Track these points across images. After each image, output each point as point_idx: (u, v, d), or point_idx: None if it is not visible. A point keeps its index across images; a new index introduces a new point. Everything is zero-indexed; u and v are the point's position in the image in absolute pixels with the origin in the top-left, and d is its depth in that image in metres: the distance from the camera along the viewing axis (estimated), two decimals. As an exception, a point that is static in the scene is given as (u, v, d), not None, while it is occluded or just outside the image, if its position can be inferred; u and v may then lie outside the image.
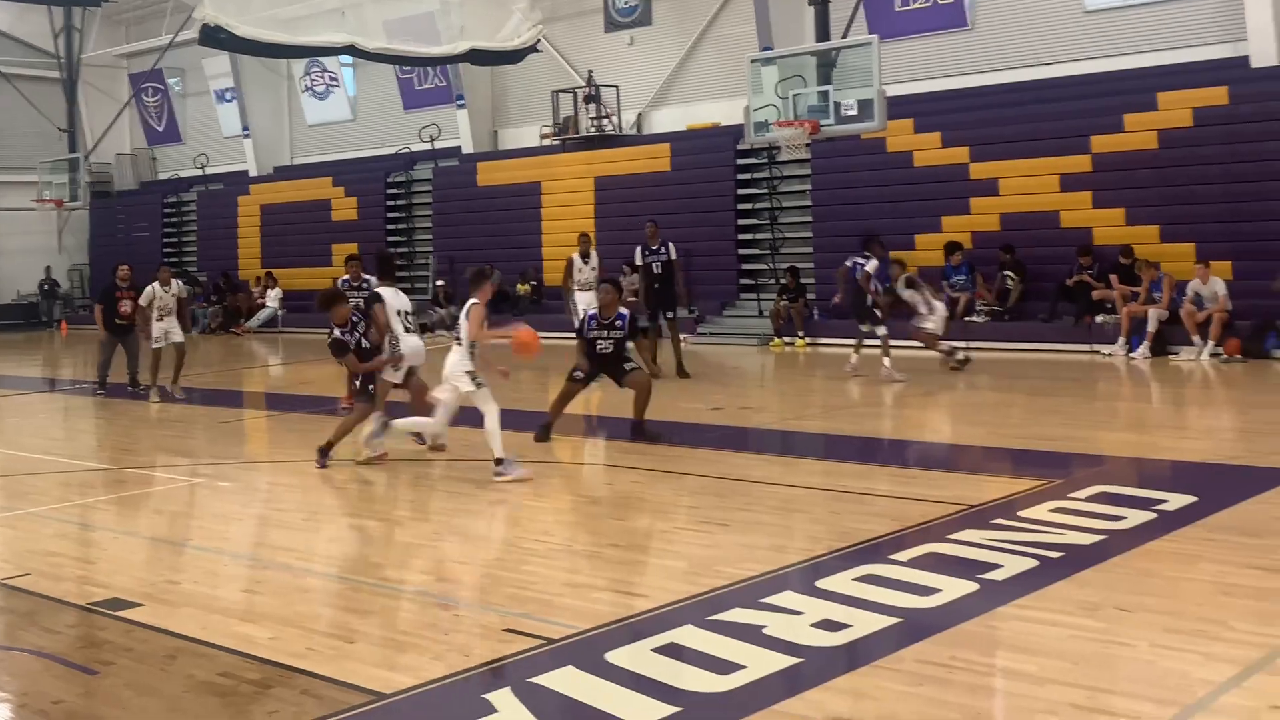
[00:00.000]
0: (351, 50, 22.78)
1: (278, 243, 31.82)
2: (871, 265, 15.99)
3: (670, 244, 16.97)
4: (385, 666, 5.68)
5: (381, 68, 29.35)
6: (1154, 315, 17.64)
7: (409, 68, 29.57)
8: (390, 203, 29.89)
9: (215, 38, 20.33)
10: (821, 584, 6.74)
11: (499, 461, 10.13)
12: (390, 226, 29.75)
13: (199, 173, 35.99)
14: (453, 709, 5.26)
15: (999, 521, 7.98)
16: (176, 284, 17.08)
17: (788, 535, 8.05)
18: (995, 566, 6.90)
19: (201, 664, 5.80)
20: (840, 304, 16.64)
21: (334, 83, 33.41)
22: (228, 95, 35.13)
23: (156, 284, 16.58)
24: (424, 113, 30.29)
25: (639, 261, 17.09)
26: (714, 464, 10.75)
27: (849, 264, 16.30)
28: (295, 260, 30.96)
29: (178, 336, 16.63)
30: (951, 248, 20.56)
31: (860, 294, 16.00)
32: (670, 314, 16.96)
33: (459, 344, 10.42)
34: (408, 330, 11.65)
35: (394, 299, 11.70)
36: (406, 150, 29.90)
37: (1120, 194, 19.46)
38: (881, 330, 16.03)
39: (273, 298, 30.24)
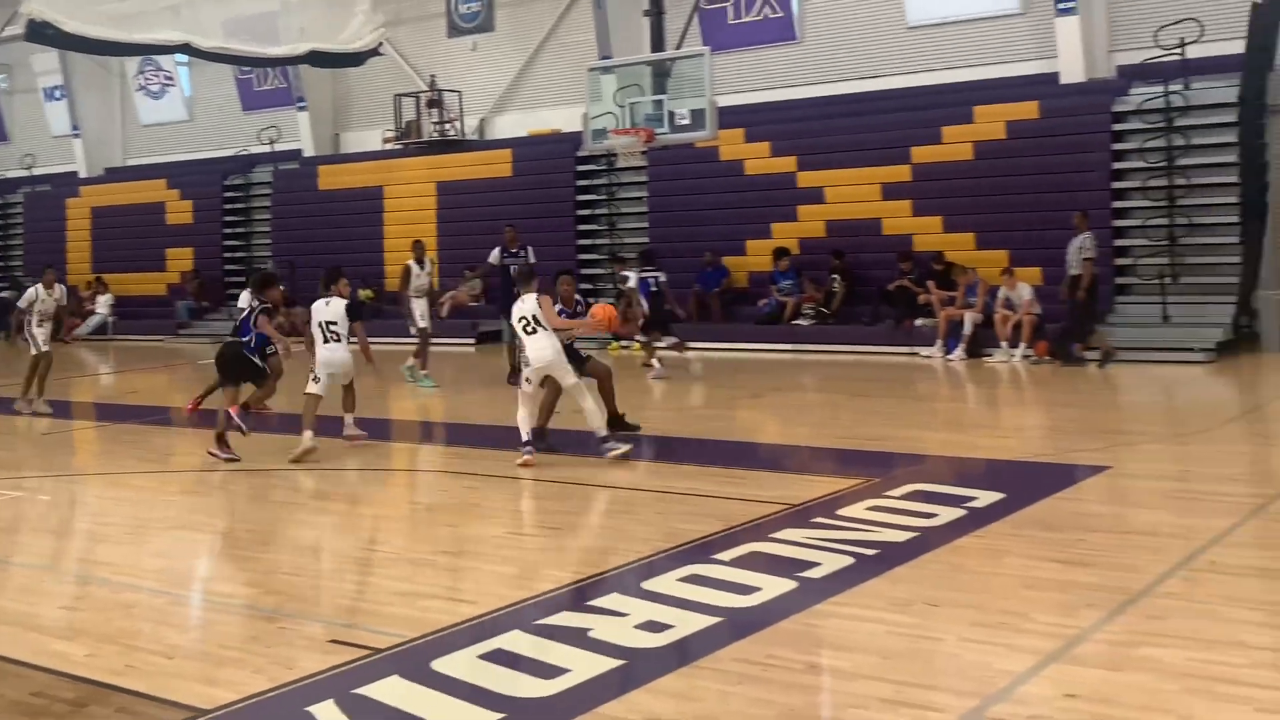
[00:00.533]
0: (187, 49, 21.98)
1: (109, 247, 30.64)
2: (665, 277, 16.56)
3: (529, 248, 16.97)
4: (205, 682, 5.53)
5: (219, 68, 28.52)
6: (969, 319, 18.19)
7: (248, 68, 28.80)
8: (228, 206, 29.04)
9: (42, 34, 19.40)
10: (647, 585, 6.78)
11: (604, 440, 10.61)
12: (228, 230, 28.90)
13: (25, 173, 34.50)
14: (274, 722, 5.15)
15: (819, 520, 8.13)
16: (59, 288, 16.17)
17: (617, 537, 8.09)
18: (814, 565, 7.02)
19: (14, 684, 5.56)
20: (645, 318, 17.04)
21: (169, 82, 32.34)
22: (57, 93, 33.64)
23: (40, 286, 15.71)
24: (263, 114, 29.53)
25: (497, 263, 16.91)
26: (549, 468, 10.72)
27: (634, 280, 16.85)
28: (127, 265, 29.83)
29: (46, 347, 15.68)
30: (779, 253, 20.90)
31: (661, 304, 16.56)
32: None
33: (544, 330, 10.63)
34: (327, 340, 11.48)
35: (321, 309, 11.62)
36: (245, 152, 29.12)
37: (939, 202, 20.02)
38: (672, 338, 17.02)
39: (103, 304, 29.02)
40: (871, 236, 20.46)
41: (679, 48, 18.22)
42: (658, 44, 18.55)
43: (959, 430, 12.23)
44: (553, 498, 9.66)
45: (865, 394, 14.87)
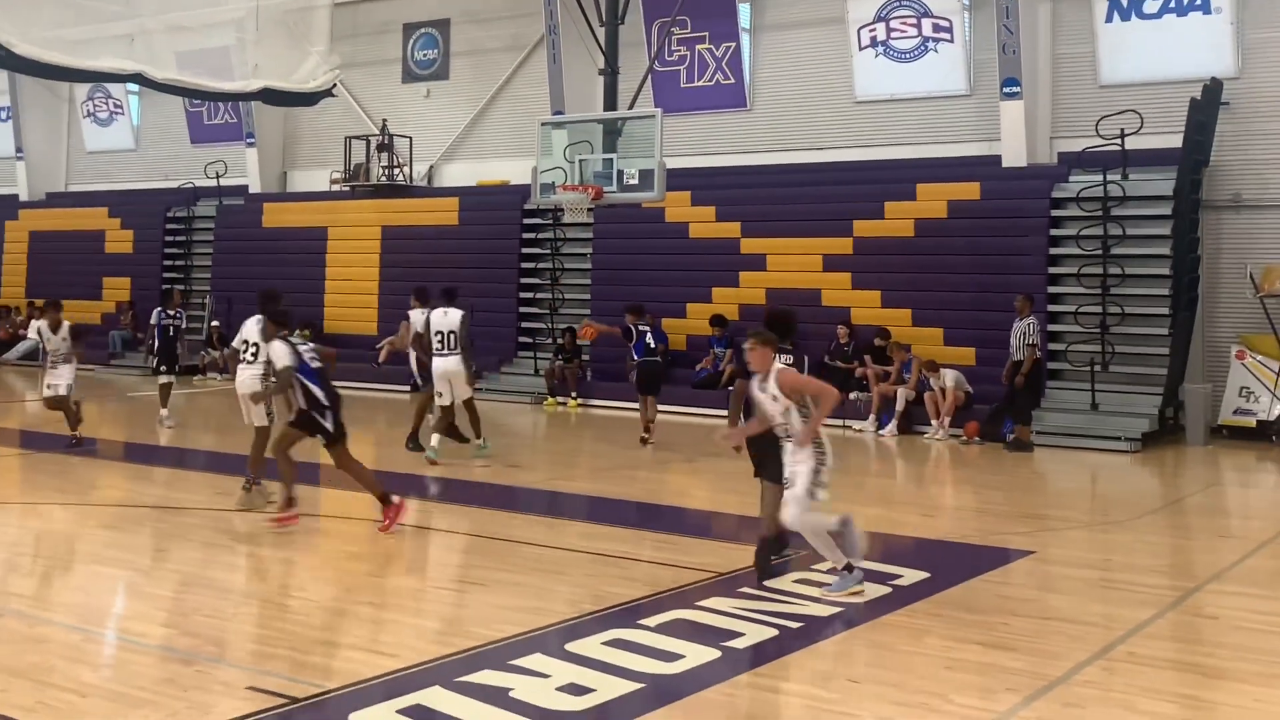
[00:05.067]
0: (139, 79, 21.77)
1: (46, 272, 30.16)
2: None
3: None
4: (117, 725, 5.44)
5: (169, 98, 28.11)
6: (902, 395, 18.35)
7: (198, 101, 28.60)
8: (169, 238, 28.72)
9: None
10: (571, 647, 6.78)
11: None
12: (167, 263, 28.56)
13: (-36, 192, 33.96)
14: (185, 771, 5.06)
15: (746, 590, 8.15)
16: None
17: (543, 597, 8.03)
18: (738, 635, 7.05)
19: (-83, 719, 5.44)
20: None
21: (118, 110, 32.00)
22: (2, 114, 33.26)
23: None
24: (212, 148, 29.24)
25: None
26: (478, 522, 10.70)
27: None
28: (64, 291, 28.67)
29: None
30: (716, 320, 20.95)
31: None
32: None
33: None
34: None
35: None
36: (190, 185, 28.87)
37: (878, 277, 20.21)
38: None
39: (35, 329, 28.52)
40: (811, 307, 20.58)
41: (631, 107, 18.36)
42: (610, 103, 18.68)
43: (887, 507, 12.29)
44: (482, 553, 9.61)
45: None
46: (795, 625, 7.31)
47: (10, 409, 20.82)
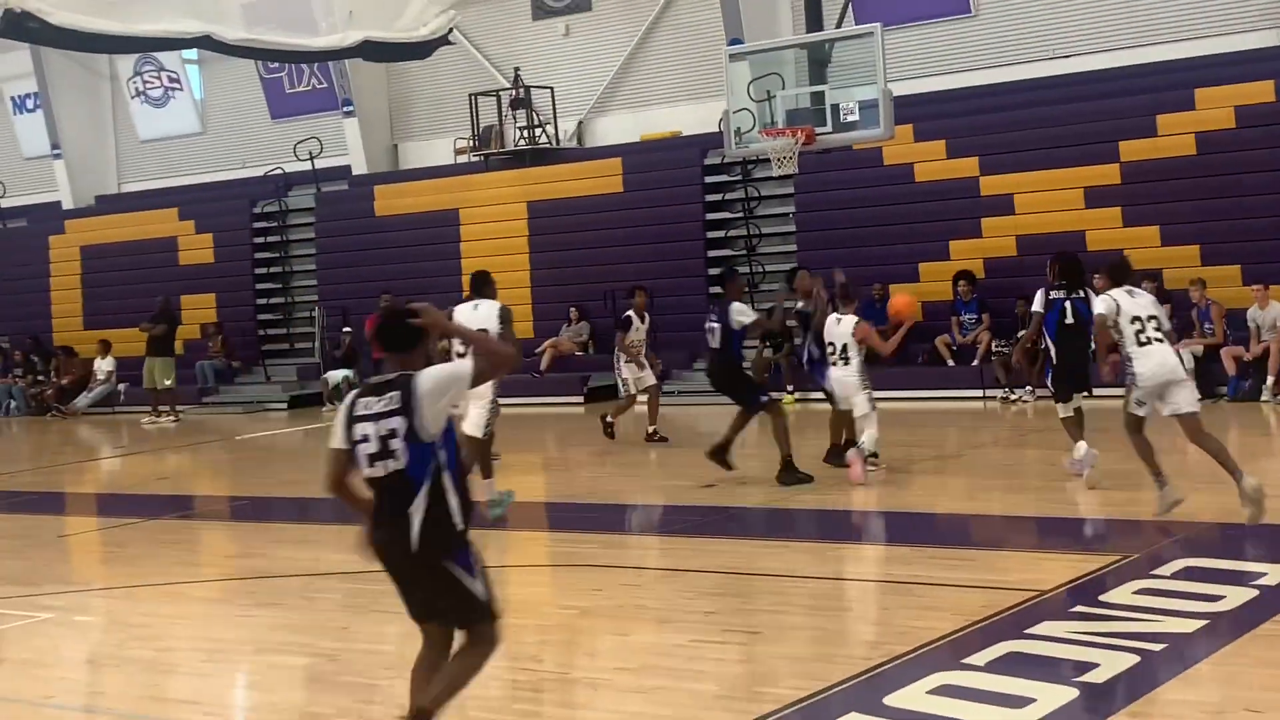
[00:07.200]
0: (207, 43, 21.62)
1: (105, 295, 30.76)
2: None
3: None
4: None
5: (236, 66, 28.94)
6: (1188, 355, 18.07)
7: (275, 66, 29.21)
8: (259, 240, 29.53)
9: (23, 27, 19.14)
10: (891, 701, 7.04)
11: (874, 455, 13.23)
12: (260, 270, 29.36)
13: (-9, 207, 34.65)
14: None
15: (1080, 609, 8.49)
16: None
17: (835, 641, 8.43)
18: (1092, 665, 7.35)
19: None
20: None
21: (175, 85, 32.70)
22: (29, 103, 34.26)
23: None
24: (299, 123, 29.98)
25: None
26: (720, 555, 11.10)
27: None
28: (131, 317, 28.09)
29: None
30: (960, 278, 21.23)
31: None
32: None
33: (845, 362, 13.37)
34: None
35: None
36: (279, 172, 29.59)
37: (1154, 209, 20.44)
38: None
39: (102, 368, 28.72)
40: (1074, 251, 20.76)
41: (839, 25, 18.66)
42: (814, 21, 18.99)
43: (1226, 489, 12.12)
44: (738, 593, 9.95)
45: (1097, 446, 14.75)
46: (1157, 647, 7.63)
47: (97, 469, 21.71)
